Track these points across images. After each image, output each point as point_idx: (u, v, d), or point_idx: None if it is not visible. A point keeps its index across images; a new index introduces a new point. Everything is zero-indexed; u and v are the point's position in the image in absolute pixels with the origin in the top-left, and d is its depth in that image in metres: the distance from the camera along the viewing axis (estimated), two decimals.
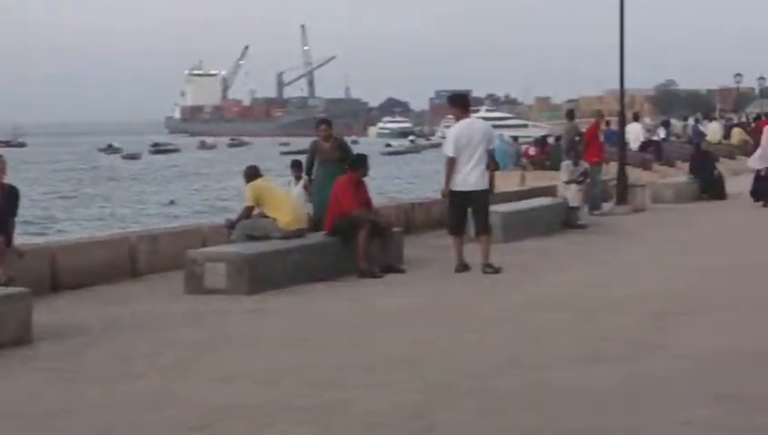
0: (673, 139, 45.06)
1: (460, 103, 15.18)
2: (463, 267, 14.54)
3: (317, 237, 14.90)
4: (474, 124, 14.95)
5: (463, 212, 14.83)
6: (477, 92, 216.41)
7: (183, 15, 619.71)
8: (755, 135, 43.46)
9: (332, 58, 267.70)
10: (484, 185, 14.62)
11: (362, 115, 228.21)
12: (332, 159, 16.32)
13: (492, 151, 14.93)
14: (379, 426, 7.12)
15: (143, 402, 7.82)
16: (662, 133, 46.01)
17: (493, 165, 15.00)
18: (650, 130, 44.81)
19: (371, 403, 7.68)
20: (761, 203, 24.24)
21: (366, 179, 15.30)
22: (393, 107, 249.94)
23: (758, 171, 24.92)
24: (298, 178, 17.98)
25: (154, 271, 14.41)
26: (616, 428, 7.03)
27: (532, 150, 34.48)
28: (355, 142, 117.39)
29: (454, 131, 14.93)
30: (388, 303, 12.28)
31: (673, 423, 7.08)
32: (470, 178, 14.49)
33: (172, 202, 58.76)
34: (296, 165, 18.37)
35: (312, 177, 17.00)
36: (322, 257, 14.25)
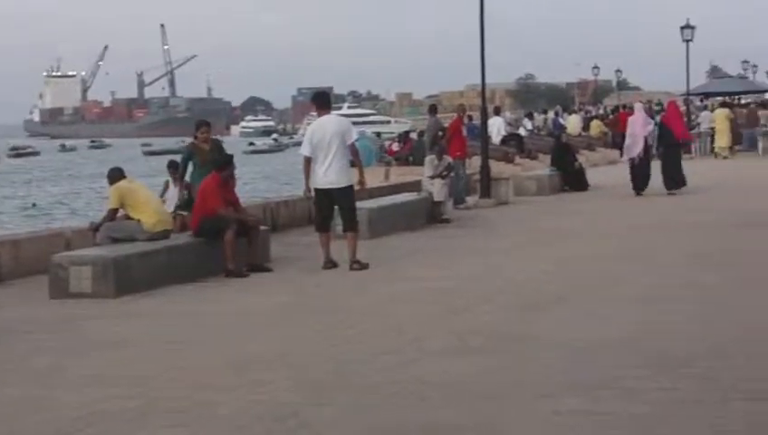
0: (531, 130, 45.76)
1: (318, 102, 15.24)
2: (330, 264, 14.58)
3: (183, 238, 14.82)
4: (325, 121, 14.94)
5: (328, 209, 14.88)
6: (339, 89, 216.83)
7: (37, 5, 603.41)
8: (614, 126, 44.47)
9: (193, 57, 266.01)
10: (344, 182, 14.65)
11: (225, 114, 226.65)
12: (212, 160, 16.15)
13: (353, 147, 14.91)
14: (252, 425, 7.11)
15: (11, 410, 7.69)
16: (528, 125, 46.73)
17: (356, 160, 15.02)
18: (512, 124, 45.50)
19: (244, 403, 7.67)
20: (634, 193, 25.08)
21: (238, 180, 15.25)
22: (255, 105, 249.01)
23: (631, 161, 25.61)
24: (175, 179, 17.73)
25: (17, 276, 14.14)
26: (486, 419, 7.13)
27: (395, 146, 34.75)
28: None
29: (308, 131, 15.14)
30: (256, 302, 12.25)
31: (543, 413, 7.21)
32: (328, 175, 14.58)
33: (34, 205, 57.60)
34: (173, 166, 18.11)
35: (189, 180, 16.80)
36: (189, 258, 14.16)
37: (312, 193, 14.83)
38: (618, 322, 10.32)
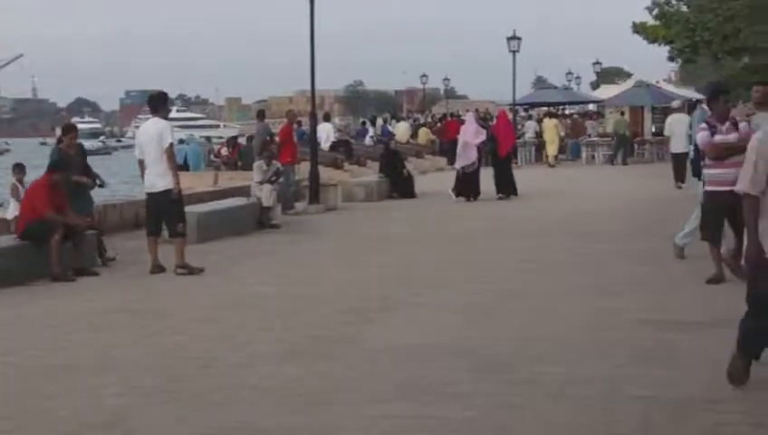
0: (373, 137, 45.84)
1: (151, 104, 15.19)
2: (158, 269, 14.44)
3: (8, 241, 14.49)
4: (148, 125, 14.93)
5: (156, 213, 14.74)
6: (169, 93, 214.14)
7: None
8: (441, 134, 45.04)
9: (20, 56, 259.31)
10: (160, 186, 14.53)
11: (50, 115, 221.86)
12: (78, 165, 15.70)
13: (168, 150, 14.64)
14: (80, 432, 7.00)
15: None
16: (371, 131, 46.90)
17: (170, 164, 14.70)
18: (341, 130, 45.65)
19: (70, 409, 7.55)
20: (463, 199, 25.65)
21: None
22: (82, 107, 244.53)
23: (462, 169, 26.23)
24: (20, 180, 17.18)
25: None
26: (316, 424, 7.17)
27: (224, 151, 34.50)
28: (43, 144, 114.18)
29: (137, 134, 15.29)
30: (83, 306, 12.05)
31: (371, 417, 7.27)
32: (149, 179, 14.65)
33: None
34: (20, 167, 17.58)
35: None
36: (14, 261, 13.87)
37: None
38: (443, 327, 10.44)
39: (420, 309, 11.52)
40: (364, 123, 53.14)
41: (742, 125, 12.31)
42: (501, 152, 27.09)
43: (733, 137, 12.27)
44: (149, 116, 15.37)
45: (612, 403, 7.49)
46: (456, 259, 15.54)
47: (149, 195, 14.70)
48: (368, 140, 44.60)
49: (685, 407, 7.35)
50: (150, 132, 14.58)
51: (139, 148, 14.78)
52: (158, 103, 15.04)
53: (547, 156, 41.96)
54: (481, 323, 10.61)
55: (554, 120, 43.34)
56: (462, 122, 31.04)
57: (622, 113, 44.44)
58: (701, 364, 8.59)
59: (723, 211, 12.21)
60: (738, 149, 12.24)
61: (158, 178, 14.49)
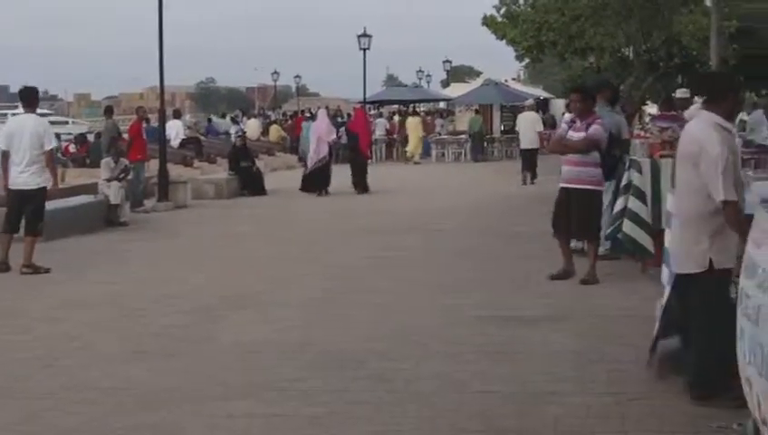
0: (232, 133, 45.44)
1: (24, 98, 14.79)
2: (4, 266, 14.15)
3: None
4: (24, 120, 14.47)
5: (18, 210, 14.41)
6: (14, 88, 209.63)
7: None
8: (292, 131, 45.00)
9: None
10: (34, 184, 14.24)
11: None
12: None
13: (50, 153, 14.35)
14: None
15: None
16: (234, 129, 46.47)
17: (50, 165, 14.43)
18: (191, 127, 45.20)
19: None
20: (314, 194, 26.06)
21: None
22: None
23: (314, 163, 26.72)
24: None
25: None
26: (160, 424, 7.12)
27: (72, 148, 33.93)
28: None
29: (7, 126, 14.88)
30: None
31: (216, 416, 7.25)
32: (20, 176, 14.24)
33: None
34: None
35: None
36: None
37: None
38: (291, 324, 10.45)
39: (268, 306, 11.51)
40: (210, 120, 52.92)
41: (593, 127, 12.54)
42: (362, 147, 27.79)
43: (577, 136, 12.56)
44: (19, 111, 15.01)
45: (457, 398, 7.60)
46: (304, 256, 15.55)
47: (17, 191, 14.28)
48: (233, 138, 44.13)
49: (528, 400, 7.50)
50: (28, 129, 14.16)
51: (6, 139, 14.27)
52: (32, 98, 14.73)
53: (405, 153, 42.47)
54: (328, 320, 10.65)
55: (418, 118, 44.07)
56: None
57: (477, 111, 45.01)
58: (543, 358, 8.78)
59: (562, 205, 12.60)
60: (573, 147, 12.63)
61: (33, 177, 14.15)
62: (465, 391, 7.79)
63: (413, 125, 42.96)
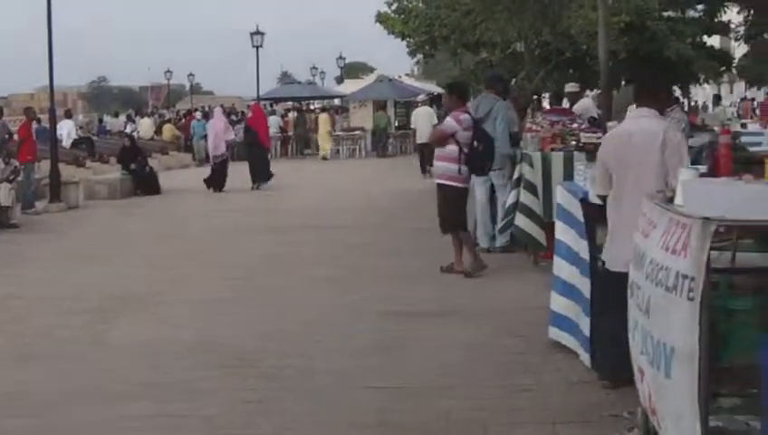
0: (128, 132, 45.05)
1: None
2: None
3: None
4: None
5: None
6: None
7: None
8: (186, 130, 44.68)
9: None
10: None
11: None
12: None
13: None
14: None
15: None
16: (129, 128, 46.00)
17: None
18: (83, 127, 44.66)
19: None
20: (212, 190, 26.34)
21: None
22: None
23: (213, 160, 27.21)
24: None
25: None
26: (53, 426, 7.09)
27: None
28: None
29: None
30: None
31: (110, 418, 7.21)
32: None
33: None
34: None
35: None
36: None
37: None
38: (186, 323, 10.43)
39: (163, 306, 11.44)
40: (101, 120, 52.42)
41: (464, 117, 12.66)
42: (263, 141, 28.31)
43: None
44: None
45: (352, 394, 7.66)
46: (199, 255, 15.47)
47: None
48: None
49: (421, 394, 7.58)
50: None
51: None
52: None
53: (321, 149, 42.70)
54: (224, 319, 10.63)
55: (326, 115, 44.24)
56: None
57: (382, 108, 45.05)
58: (435, 352, 8.86)
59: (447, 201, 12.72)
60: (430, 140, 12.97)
61: None
62: (360, 387, 7.85)
63: (323, 121, 43.16)
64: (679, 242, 5.01)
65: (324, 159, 41.19)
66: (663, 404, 5.35)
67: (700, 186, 5.17)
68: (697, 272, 4.80)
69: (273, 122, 45.30)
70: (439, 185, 12.77)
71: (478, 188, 14.16)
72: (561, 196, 8.95)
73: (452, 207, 12.69)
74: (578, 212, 8.25)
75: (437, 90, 48.29)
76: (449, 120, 12.72)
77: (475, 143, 12.54)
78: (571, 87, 21.33)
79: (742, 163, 6.04)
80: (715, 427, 6.29)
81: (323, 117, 44.11)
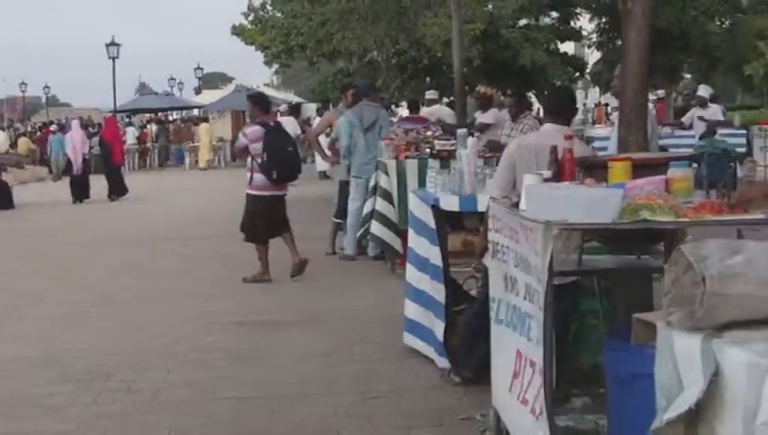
0: None
1: None
2: None
3: None
4: None
5: None
6: None
7: None
8: (42, 143, 43.99)
9: None
10: None
11: None
12: None
13: None
14: None
15: None
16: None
17: None
18: None
19: None
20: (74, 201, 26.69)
21: None
22: None
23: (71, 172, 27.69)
24: None
25: None
26: None
27: None
28: None
29: None
30: None
31: None
32: None
33: None
34: None
35: None
36: None
37: None
38: (38, 338, 10.26)
39: (15, 322, 11.25)
40: None
41: (251, 130, 13.00)
42: (115, 157, 28.42)
43: None
44: None
45: (208, 406, 7.62)
46: (53, 270, 15.20)
47: None
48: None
49: (277, 403, 7.58)
50: None
51: None
52: None
53: (197, 160, 42.73)
54: (78, 333, 10.47)
55: (206, 125, 43.98)
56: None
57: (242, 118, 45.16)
58: (292, 361, 8.88)
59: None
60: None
61: None
62: (216, 398, 7.82)
63: (204, 131, 43.03)
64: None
65: (203, 169, 41.03)
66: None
67: (542, 190, 5.28)
68: (541, 273, 4.91)
69: (130, 133, 44.93)
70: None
71: (351, 193, 14.32)
72: (412, 203, 9.06)
73: (246, 214, 13.12)
74: (429, 219, 8.35)
75: (297, 99, 48.34)
76: (239, 136, 13.27)
77: (264, 154, 12.68)
78: (430, 94, 21.61)
79: (586, 168, 6.16)
80: (565, 427, 6.46)
81: (205, 126, 43.94)
